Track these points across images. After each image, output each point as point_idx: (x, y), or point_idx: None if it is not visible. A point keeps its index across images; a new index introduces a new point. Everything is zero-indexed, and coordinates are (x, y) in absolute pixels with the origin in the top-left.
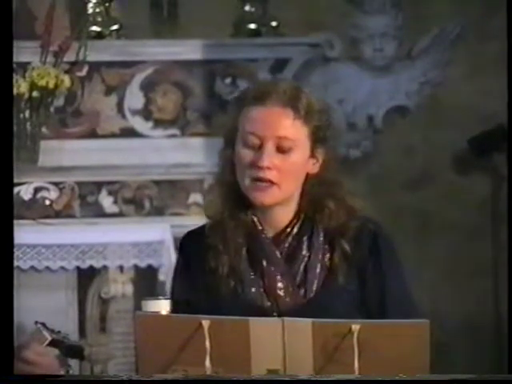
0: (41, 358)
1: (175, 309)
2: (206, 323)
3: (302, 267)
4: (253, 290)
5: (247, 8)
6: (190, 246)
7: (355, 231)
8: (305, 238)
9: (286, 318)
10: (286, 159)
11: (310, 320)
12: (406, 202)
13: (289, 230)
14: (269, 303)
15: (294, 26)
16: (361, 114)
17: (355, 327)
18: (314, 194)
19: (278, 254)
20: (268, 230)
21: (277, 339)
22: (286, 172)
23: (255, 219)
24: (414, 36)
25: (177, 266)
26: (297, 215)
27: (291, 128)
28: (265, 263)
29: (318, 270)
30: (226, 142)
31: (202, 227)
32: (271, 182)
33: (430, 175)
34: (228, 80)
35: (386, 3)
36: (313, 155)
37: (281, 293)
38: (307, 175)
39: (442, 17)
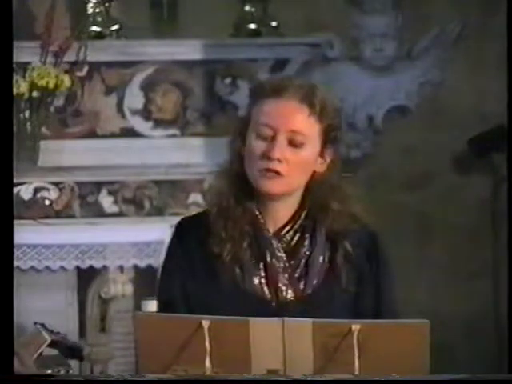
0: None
1: (167, 292)
2: (205, 323)
3: (302, 262)
4: (255, 280)
5: (247, 8)
6: (188, 231)
7: (356, 234)
8: (307, 236)
9: (286, 318)
10: (297, 153)
11: (310, 320)
12: (405, 203)
13: (290, 226)
14: (269, 295)
15: (294, 26)
16: (361, 114)
17: (355, 327)
18: (318, 193)
19: (280, 248)
20: (269, 224)
21: (277, 339)
22: (295, 166)
23: (257, 213)
24: (414, 36)
25: (171, 249)
26: (298, 212)
27: (305, 123)
28: (268, 257)
29: (318, 267)
30: (237, 134)
31: (200, 214)
32: (279, 174)
33: (429, 175)
34: (228, 80)
35: (386, 3)
36: (322, 154)
37: (282, 286)
38: (313, 173)
39: (441, 17)
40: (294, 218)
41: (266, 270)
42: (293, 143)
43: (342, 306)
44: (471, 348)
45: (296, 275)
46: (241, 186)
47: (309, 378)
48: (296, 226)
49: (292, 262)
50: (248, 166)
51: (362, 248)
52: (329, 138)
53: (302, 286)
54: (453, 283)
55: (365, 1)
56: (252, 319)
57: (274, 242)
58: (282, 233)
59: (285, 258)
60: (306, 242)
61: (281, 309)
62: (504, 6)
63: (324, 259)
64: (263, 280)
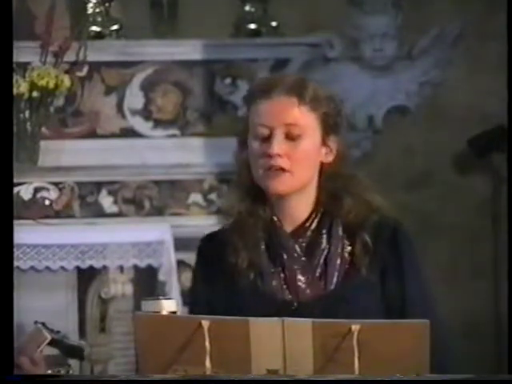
0: (34, 368)
1: (194, 310)
2: (205, 323)
3: (321, 260)
4: (273, 283)
5: (247, 8)
6: (209, 246)
7: (375, 225)
8: (324, 231)
9: (286, 318)
10: (296, 146)
11: (310, 320)
12: (405, 202)
13: (308, 224)
14: (290, 296)
15: (293, 26)
16: (361, 114)
17: (355, 327)
18: (331, 187)
19: (297, 248)
20: (287, 224)
21: (277, 339)
22: (296, 159)
23: (273, 216)
24: (413, 36)
25: (197, 267)
26: (315, 209)
27: (297, 114)
28: (285, 257)
29: (338, 262)
30: (240, 143)
31: (220, 230)
32: (283, 170)
33: (429, 175)
34: (228, 80)
35: (386, 3)
36: (325, 143)
37: (301, 285)
38: (322, 166)
39: (441, 17)
40: (311, 216)
41: (284, 272)
42: (290, 137)
43: (367, 298)
44: (471, 348)
45: (316, 274)
46: (253, 194)
47: (309, 378)
48: (314, 224)
49: (311, 261)
50: (253, 168)
51: (382, 238)
52: (328, 125)
53: (322, 283)
54: (453, 283)
55: (365, 1)
56: (252, 319)
57: (291, 243)
58: (300, 232)
59: (303, 258)
60: (324, 239)
61: (303, 309)
62: (504, 5)
63: (343, 254)
64: (282, 282)
